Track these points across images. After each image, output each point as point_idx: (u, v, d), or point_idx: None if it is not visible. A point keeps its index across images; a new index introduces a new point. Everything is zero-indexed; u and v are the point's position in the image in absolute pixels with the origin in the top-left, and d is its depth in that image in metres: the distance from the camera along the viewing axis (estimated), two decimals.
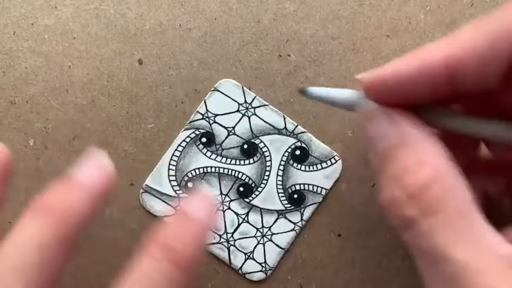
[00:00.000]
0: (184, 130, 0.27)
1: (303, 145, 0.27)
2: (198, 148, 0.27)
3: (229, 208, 0.27)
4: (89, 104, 0.27)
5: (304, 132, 0.27)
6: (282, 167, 0.27)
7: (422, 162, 0.18)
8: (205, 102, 0.27)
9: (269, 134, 0.27)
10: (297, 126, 0.27)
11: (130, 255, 0.28)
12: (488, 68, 0.17)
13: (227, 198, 0.27)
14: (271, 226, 0.27)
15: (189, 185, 0.27)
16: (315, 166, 0.27)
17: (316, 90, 0.22)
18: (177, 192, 0.27)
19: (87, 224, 0.21)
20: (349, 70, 0.27)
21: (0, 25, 0.27)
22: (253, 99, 0.27)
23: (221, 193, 0.27)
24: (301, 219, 0.27)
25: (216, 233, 0.27)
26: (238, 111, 0.27)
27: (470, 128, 0.19)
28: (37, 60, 0.27)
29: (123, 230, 0.27)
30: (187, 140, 0.27)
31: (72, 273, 0.27)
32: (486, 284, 0.16)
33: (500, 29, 0.16)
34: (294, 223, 0.27)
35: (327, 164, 0.27)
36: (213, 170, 0.27)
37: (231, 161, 0.27)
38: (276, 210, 0.27)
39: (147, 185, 0.27)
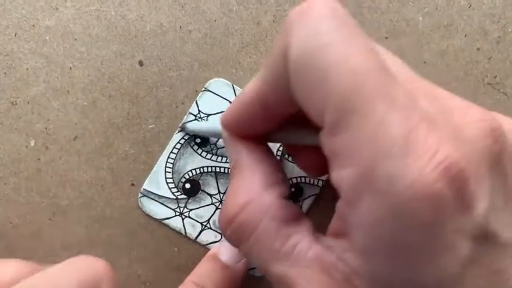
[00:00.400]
0: (178, 132, 0.27)
1: None
2: (193, 149, 0.27)
3: None
4: (90, 105, 0.27)
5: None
6: None
7: (240, 188, 0.20)
8: (196, 102, 0.27)
9: None
10: None
11: (131, 255, 0.28)
12: (280, 94, 0.18)
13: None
14: None
15: (187, 186, 0.27)
16: None
17: (192, 125, 0.27)
18: (175, 194, 0.27)
19: None
20: None
21: (1, 26, 0.27)
22: None
23: (219, 192, 0.27)
24: None
25: (216, 231, 0.28)
26: None
27: (295, 139, 0.21)
28: (38, 61, 0.27)
29: (123, 230, 0.28)
30: (182, 141, 0.27)
31: None
32: None
33: (277, 58, 0.17)
34: None
35: None
36: (209, 169, 0.27)
37: (226, 159, 0.27)
38: None
39: (145, 189, 0.27)
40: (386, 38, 0.28)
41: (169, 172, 0.27)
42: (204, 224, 0.27)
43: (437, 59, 0.28)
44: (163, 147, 0.27)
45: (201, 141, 0.27)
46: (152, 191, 0.27)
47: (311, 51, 0.15)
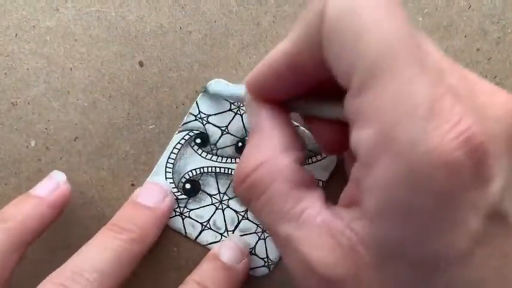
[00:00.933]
0: (178, 132, 0.27)
1: None
2: (193, 149, 0.27)
3: (228, 206, 0.28)
4: (90, 106, 0.27)
5: (297, 126, 0.27)
6: None
7: (256, 148, 0.20)
8: (197, 103, 0.27)
9: None
10: None
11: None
12: (310, 55, 0.18)
13: (225, 197, 0.28)
14: None
15: (187, 186, 0.27)
16: (310, 159, 0.28)
17: (215, 85, 0.26)
18: (175, 194, 0.27)
19: (42, 232, 0.25)
20: None
21: (2, 27, 0.27)
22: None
23: (219, 192, 0.28)
24: None
25: (217, 231, 0.28)
26: (230, 110, 0.27)
27: (316, 111, 0.21)
28: (39, 62, 0.27)
29: None
30: (182, 142, 0.27)
31: None
32: (305, 251, 0.17)
33: (312, 18, 0.17)
34: None
35: (322, 156, 0.27)
36: (209, 170, 0.28)
37: (226, 159, 0.27)
38: None
39: None
40: None
41: (170, 172, 0.27)
42: (204, 224, 0.28)
43: None
44: (163, 148, 0.27)
45: (201, 142, 0.27)
46: None
47: (347, 11, 0.15)
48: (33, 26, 0.27)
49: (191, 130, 0.27)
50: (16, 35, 0.27)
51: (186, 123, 0.27)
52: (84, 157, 0.27)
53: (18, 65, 0.27)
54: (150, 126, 0.27)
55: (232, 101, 0.27)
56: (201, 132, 0.27)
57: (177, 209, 0.27)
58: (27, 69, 0.27)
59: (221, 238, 0.27)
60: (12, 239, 0.23)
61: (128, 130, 0.27)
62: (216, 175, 0.27)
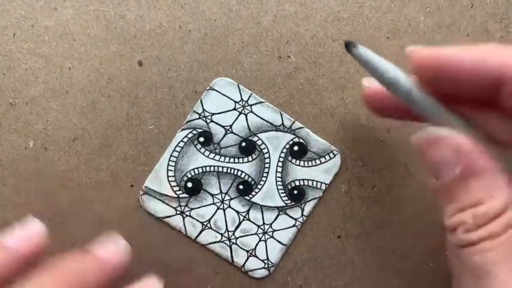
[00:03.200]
0: (182, 130, 0.27)
1: (301, 141, 0.27)
2: (196, 148, 0.27)
3: (229, 207, 0.27)
4: (89, 106, 0.27)
5: (302, 127, 0.27)
6: (280, 164, 0.27)
7: (492, 194, 0.18)
8: (201, 101, 0.27)
9: (267, 131, 0.27)
10: (294, 122, 0.27)
11: (130, 256, 0.28)
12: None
13: (227, 197, 0.27)
14: (272, 223, 0.27)
15: (189, 185, 0.27)
16: (313, 161, 0.27)
17: (363, 51, 0.20)
18: (176, 192, 0.27)
19: None
20: (349, 71, 0.27)
21: (0, 27, 0.27)
22: (250, 97, 0.27)
23: (221, 192, 0.27)
24: (302, 215, 0.27)
25: (217, 231, 0.27)
26: (234, 109, 0.27)
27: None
28: (37, 61, 0.27)
29: (123, 231, 0.28)
30: (185, 140, 0.27)
31: None
32: None
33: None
34: (295, 219, 0.27)
35: (325, 158, 0.27)
36: (211, 169, 0.27)
37: (229, 159, 0.27)
38: (276, 207, 0.27)
39: (146, 187, 0.27)
40: (388, 38, 0.28)
41: (172, 170, 0.27)
42: (205, 223, 0.27)
43: None
44: (163, 148, 0.27)
45: (204, 140, 0.27)
46: (154, 188, 0.27)
47: None
48: (32, 26, 0.27)
49: (194, 128, 0.27)
50: (14, 35, 0.27)
51: (189, 121, 0.27)
52: (83, 158, 0.27)
53: (17, 64, 0.27)
54: (150, 127, 0.27)
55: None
56: (205, 131, 0.27)
57: (178, 208, 0.27)
58: (26, 69, 0.27)
59: (221, 238, 0.27)
60: None
61: (127, 130, 0.27)
62: (218, 175, 0.27)
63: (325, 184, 0.27)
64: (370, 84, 0.24)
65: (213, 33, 0.27)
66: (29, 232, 0.23)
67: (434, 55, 0.19)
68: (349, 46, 0.20)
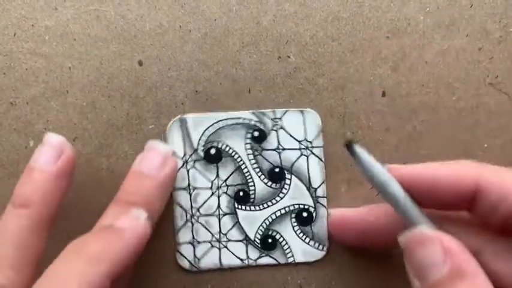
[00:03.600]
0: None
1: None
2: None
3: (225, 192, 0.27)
4: (89, 106, 0.27)
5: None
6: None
7: None
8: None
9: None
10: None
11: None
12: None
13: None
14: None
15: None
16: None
17: (360, 151, 0.21)
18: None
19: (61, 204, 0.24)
20: (349, 71, 0.27)
21: (0, 26, 0.27)
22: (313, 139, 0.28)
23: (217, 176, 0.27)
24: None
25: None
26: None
27: None
28: (37, 61, 0.27)
29: None
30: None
31: None
32: None
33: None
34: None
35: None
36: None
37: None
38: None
39: None
40: (387, 37, 0.28)
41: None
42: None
43: (438, 58, 0.28)
44: None
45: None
46: None
47: None
48: (32, 25, 0.27)
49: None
50: (15, 34, 0.27)
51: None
52: (83, 157, 0.27)
53: (17, 64, 0.27)
54: (150, 126, 0.27)
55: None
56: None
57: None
58: (26, 68, 0.27)
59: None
60: (38, 223, 0.23)
61: (127, 130, 0.27)
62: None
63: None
64: (335, 212, 0.27)
65: (213, 33, 0.27)
66: (54, 147, 0.24)
67: (410, 172, 0.21)
68: (350, 145, 0.22)
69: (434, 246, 0.19)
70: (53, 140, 0.24)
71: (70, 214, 0.27)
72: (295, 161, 0.27)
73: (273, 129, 0.27)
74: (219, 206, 0.27)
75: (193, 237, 0.27)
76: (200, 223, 0.27)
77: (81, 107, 0.27)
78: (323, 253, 0.27)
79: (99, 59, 0.27)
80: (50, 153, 0.24)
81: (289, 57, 0.27)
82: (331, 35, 0.27)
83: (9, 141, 0.27)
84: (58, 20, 0.27)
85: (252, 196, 0.27)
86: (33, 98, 0.27)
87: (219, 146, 0.27)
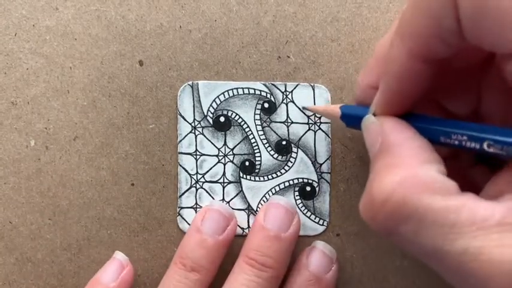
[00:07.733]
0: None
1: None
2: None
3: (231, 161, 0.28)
4: (90, 105, 0.27)
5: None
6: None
7: (390, 167, 0.18)
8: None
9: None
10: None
11: (130, 255, 0.28)
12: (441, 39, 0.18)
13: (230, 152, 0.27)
14: None
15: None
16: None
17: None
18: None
19: None
20: (348, 71, 0.28)
21: (1, 26, 0.27)
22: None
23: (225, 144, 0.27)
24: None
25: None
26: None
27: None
28: (38, 61, 0.27)
29: (123, 230, 0.28)
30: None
31: (72, 273, 0.28)
32: (492, 257, 0.15)
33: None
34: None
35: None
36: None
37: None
38: None
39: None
40: None
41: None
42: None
43: None
44: (163, 147, 0.27)
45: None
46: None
47: None
48: (33, 25, 0.27)
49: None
50: (16, 34, 0.27)
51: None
52: (84, 157, 0.27)
53: (18, 64, 0.27)
54: (150, 126, 0.27)
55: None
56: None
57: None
58: (27, 68, 0.27)
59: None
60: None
61: (128, 129, 0.27)
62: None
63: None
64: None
65: (213, 33, 0.27)
66: (119, 266, 0.27)
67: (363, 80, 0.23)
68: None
69: (372, 128, 0.21)
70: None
71: (70, 214, 0.27)
72: (303, 136, 0.27)
73: (283, 102, 0.27)
74: (224, 174, 0.28)
75: (196, 203, 0.28)
76: (204, 189, 0.28)
77: (82, 106, 0.27)
78: (323, 228, 0.28)
79: (99, 59, 0.27)
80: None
81: (288, 57, 0.28)
82: (331, 35, 0.28)
83: (10, 140, 0.27)
84: (59, 20, 0.27)
85: (258, 167, 0.28)
86: (34, 98, 0.27)
87: (229, 114, 0.27)
